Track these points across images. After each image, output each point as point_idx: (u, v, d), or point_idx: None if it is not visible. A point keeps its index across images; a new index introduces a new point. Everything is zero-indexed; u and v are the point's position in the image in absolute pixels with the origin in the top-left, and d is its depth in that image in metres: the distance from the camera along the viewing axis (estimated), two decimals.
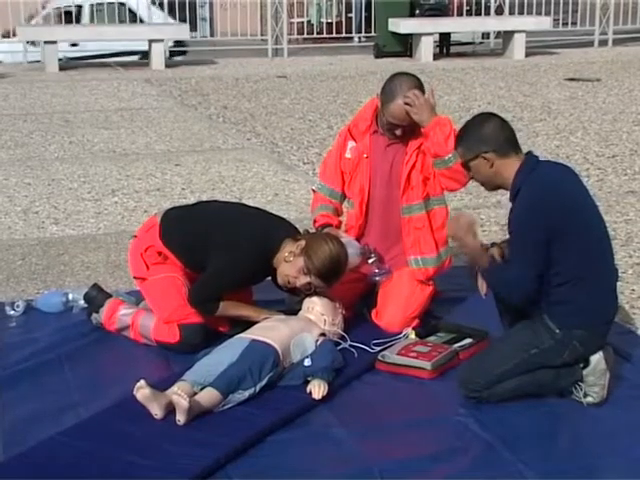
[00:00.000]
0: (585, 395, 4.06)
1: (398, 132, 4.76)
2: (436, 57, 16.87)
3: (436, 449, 3.78)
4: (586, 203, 4.15)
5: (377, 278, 4.90)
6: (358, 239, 4.93)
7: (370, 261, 4.87)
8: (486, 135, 4.07)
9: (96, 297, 4.92)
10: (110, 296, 4.94)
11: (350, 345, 4.56)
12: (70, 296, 5.19)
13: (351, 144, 4.91)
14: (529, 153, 4.15)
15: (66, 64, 15.83)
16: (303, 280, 4.51)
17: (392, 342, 4.62)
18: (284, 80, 14.54)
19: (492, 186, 4.21)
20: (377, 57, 17.08)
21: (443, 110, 11.58)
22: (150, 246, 4.69)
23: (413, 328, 4.74)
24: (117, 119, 11.30)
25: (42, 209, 7.41)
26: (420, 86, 4.72)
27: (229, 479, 3.51)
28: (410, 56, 16.98)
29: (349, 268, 4.83)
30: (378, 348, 4.56)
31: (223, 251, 4.53)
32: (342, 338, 4.58)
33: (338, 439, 3.82)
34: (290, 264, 4.50)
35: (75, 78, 14.75)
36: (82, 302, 5.13)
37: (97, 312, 4.87)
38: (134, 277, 4.84)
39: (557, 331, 4.01)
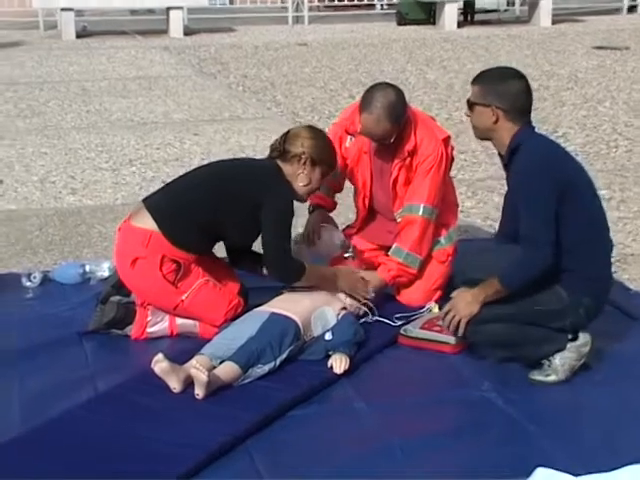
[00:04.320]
0: (547, 374, 4.05)
1: (373, 143, 4.74)
2: (460, 25, 16.77)
3: (459, 425, 3.77)
4: (586, 172, 4.20)
5: None
6: (357, 227, 5.03)
7: (346, 255, 4.94)
8: (508, 93, 4.06)
9: (125, 317, 4.47)
10: (132, 307, 4.49)
11: (372, 319, 4.55)
12: (87, 267, 5.19)
13: (350, 138, 4.88)
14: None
15: (83, 32, 15.80)
16: (323, 182, 4.58)
17: (415, 316, 4.60)
18: (305, 48, 14.47)
19: (483, 136, 4.22)
20: (400, 25, 16.98)
21: (467, 78, 11.48)
22: (162, 257, 4.31)
23: (436, 301, 4.72)
24: (135, 87, 11.28)
25: (59, 179, 7.42)
26: (399, 99, 4.59)
27: (249, 454, 3.50)
28: (433, 24, 16.88)
29: (329, 255, 4.91)
30: (400, 322, 4.54)
31: (256, 200, 4.33)
32: (366, 312, 4.56)
33: (359, 414, 3.81)
34: (313, 179, 4.48)
35: (92, 46, 14.74)
36: (99, 274, 5.13)
37: (122, 330, 4.47)
38: (169, 311, 4.43)
39: (567, 297, 4.03)
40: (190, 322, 4.47)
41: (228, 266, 4.68)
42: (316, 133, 4.55)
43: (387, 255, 4.82)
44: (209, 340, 4.16)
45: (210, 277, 4.44)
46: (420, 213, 4.71)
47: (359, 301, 4.57)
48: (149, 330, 4.47)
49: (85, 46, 14.69)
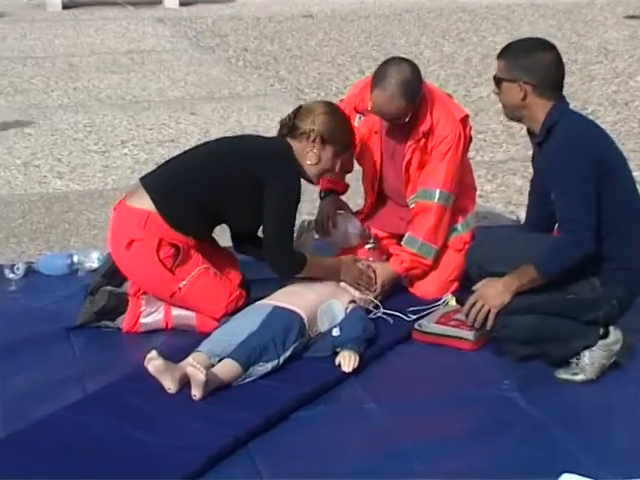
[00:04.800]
0: (575, 373, 4.05)
1: (384, 122, 4.75)
2: None
3: (477, 426, 3.78)
4: (621, 152, 4.20)
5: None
6: (365, 213, 5.01)
7: (367, 247, 4.88)
8: (536, 65, 4.05)
9: (117, 306, 4.49)
10: (124, 297, 4.52)
11: (384, 313, 4.56)
12: (75, 258, 5.20)
13: (359, 116, 4.88)
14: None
15: (70, 2, 15.81)
16: (337, 162, 4.55)
17: (430, 310, 4.60)
18: (310, 20, 14.46)
19: (513, 115, 4.21)
20: None
21: (487, 51, 11.49)
22: (160, 241, 4.34)
23: (453, 294, 4.72)
24: (126, 62, 11.29)
25: (44, 162, 7.43)
26: (415, 75, 4.59)
27: (250, 458, 3.51)
28: None
29: (345, 246, 4.88)
30: (414, 316, 4.54)
31: (259, 180, 4.33)
32: (375, 306, 4.57)
33: (369, 415, 3.81)
34: (323, 158, 4.47)
35: (80, 17, 14.75)
36: (88, 264, 5.14)
37: (113, 321, 4.50)
38: (165, 299, 4.46)
39: (600, 287, 4.03)
40: (187, 314, 4.48)
41: (230, 255, 4.70)
42: (331, 109, 4.54)
43: (399, 245, 4.82)
44: (207, 335, 4.16)
45: (211, 266, 4.46)
46: (436, 199, 4.71)
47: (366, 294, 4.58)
48: (142, 321, 4.48)
49: (72, 17, 14.70)
